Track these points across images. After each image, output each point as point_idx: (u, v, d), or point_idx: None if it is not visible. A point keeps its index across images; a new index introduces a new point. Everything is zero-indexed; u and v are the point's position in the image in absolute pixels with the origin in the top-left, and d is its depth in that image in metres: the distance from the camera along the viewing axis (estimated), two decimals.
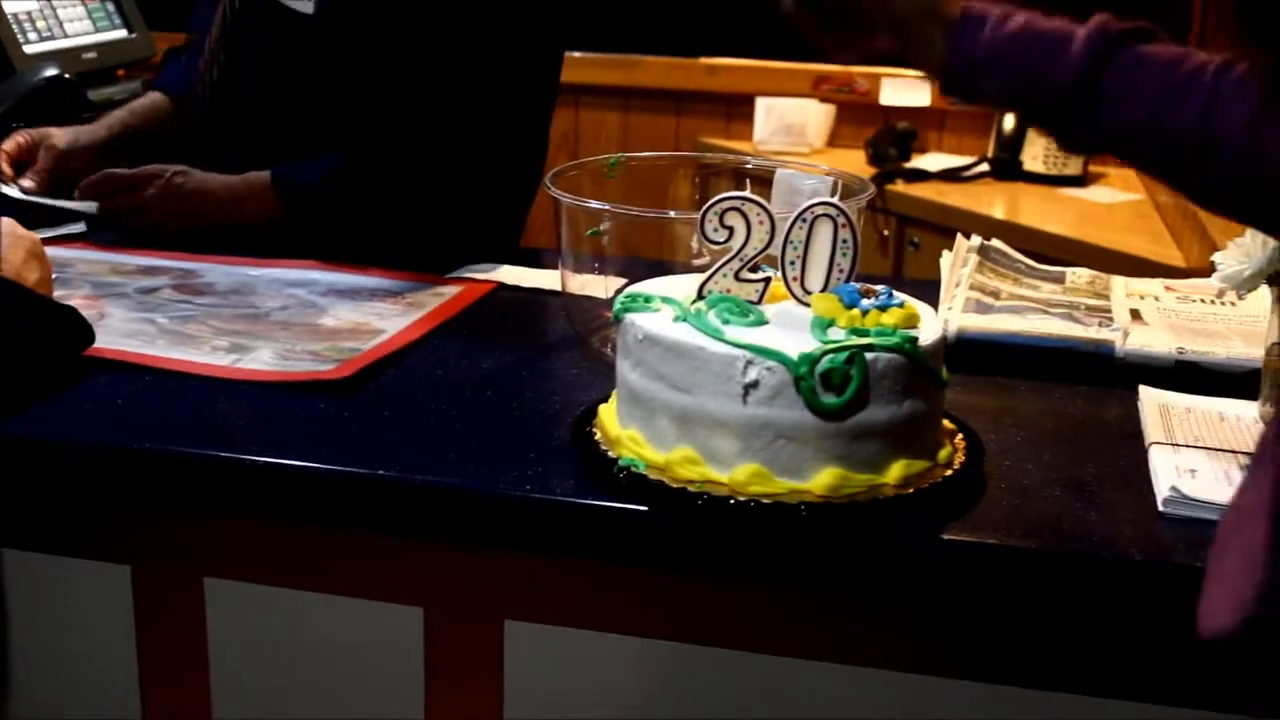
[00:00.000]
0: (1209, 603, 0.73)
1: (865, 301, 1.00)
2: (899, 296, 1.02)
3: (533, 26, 1.70)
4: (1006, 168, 3.08)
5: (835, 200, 1.04)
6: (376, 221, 1.65)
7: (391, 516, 1.08)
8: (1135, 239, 2.60)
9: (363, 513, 1.08)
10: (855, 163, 3.14)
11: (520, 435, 1.13)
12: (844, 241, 1.03)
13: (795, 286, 1.04)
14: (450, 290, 1.51)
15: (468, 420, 1.17)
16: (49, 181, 1.75)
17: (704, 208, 1.04)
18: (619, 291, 1.16)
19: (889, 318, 0.99)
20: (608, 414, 1.08)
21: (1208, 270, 1.51)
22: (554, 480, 1.04)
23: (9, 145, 1.75)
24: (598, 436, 1.07)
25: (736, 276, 1.04)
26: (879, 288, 1.03)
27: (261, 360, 1.28)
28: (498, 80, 1.66)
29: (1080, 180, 3.04)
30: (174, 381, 1.23)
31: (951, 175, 3.06)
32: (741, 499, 0.97)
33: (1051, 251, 2.50)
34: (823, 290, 1.04)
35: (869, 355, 0.96)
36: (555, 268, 1.46)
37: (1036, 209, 2.89)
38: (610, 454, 1.04)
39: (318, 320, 1.41)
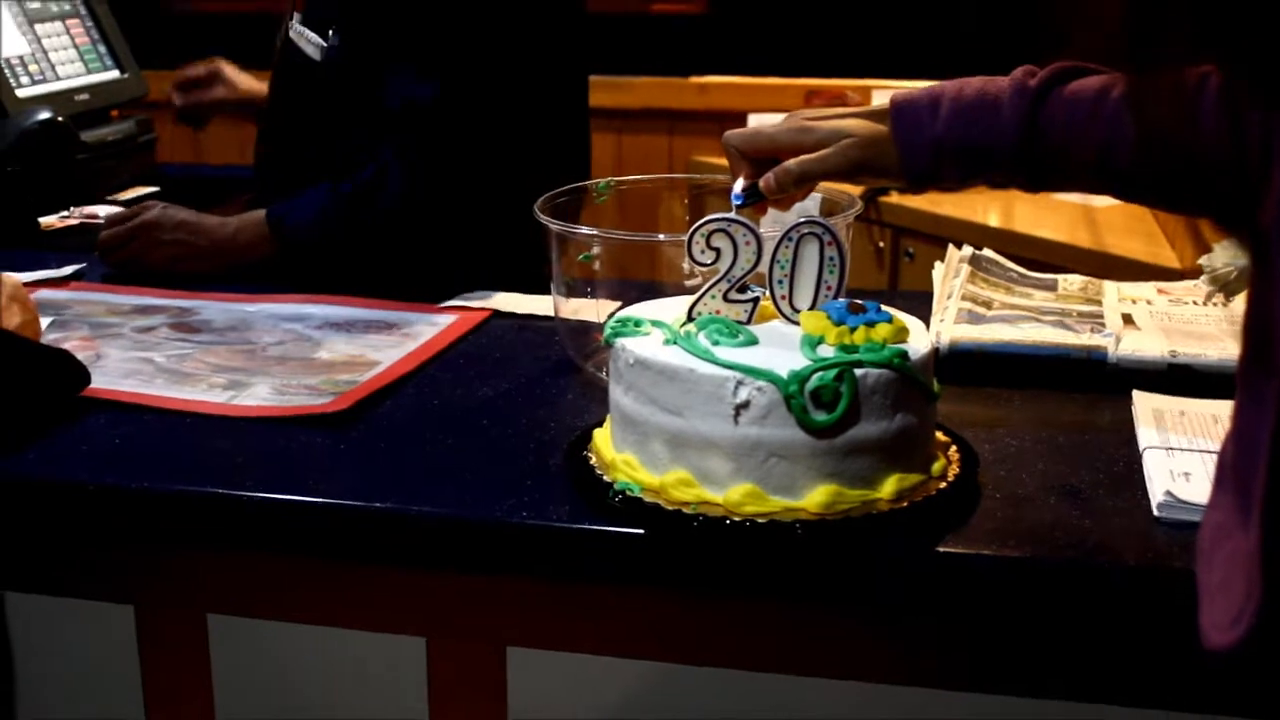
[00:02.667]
0: (1208, 616, 0.74)
1: (854, 317, 1.01)
2: (887, 311, 1.03)
3: (546, 59, 1.71)
4: None
5: (820, 218, 1.05)
6: (369, 258, 1.66)
7: (390, 547, 1.08)
8: (1130, 241, 2.61)
9: (362, 545, 1.09)
10: None
11: (517, 462, 1.14)
12: (831, 259, 1.04)
13: (784, 305, 1.05)
14: (444, 319, 1.52)
15: (464, 449, 1.17)
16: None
17: (690, 230, 1.04)
18: (611, 315, 1.16)
19: (878, 333, 1.00)
20: (602, 438, 1.09)
21: (1200, 272, 1.51)
22: (550, 506, 1.05)
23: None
24: (593, 461, 1.08)
25: (725, 297, 1.05)
26: (867, 303, 1.03)
27: (258, 396, 1.29)
28: (511, 115, 1.67)
29: None
30: (172, 420, 1.24)
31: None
32: (736, 519, 0.98)
33: (1047, 257, 2.51)
34: (811, 308, 1.04)
35: (858, 371, 0.96)
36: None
37: (1031, 215, 2.90)
38: (605, 478, 1.04)
39: (313, 354, 1.42)
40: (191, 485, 1.11)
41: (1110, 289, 1.51)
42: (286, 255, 1.66)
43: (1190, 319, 1.40)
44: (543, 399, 1.31)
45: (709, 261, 1.05)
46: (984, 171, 1.18)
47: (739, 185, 1.22)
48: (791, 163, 1.21)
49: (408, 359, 1.39)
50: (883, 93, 3.33)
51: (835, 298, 1.05)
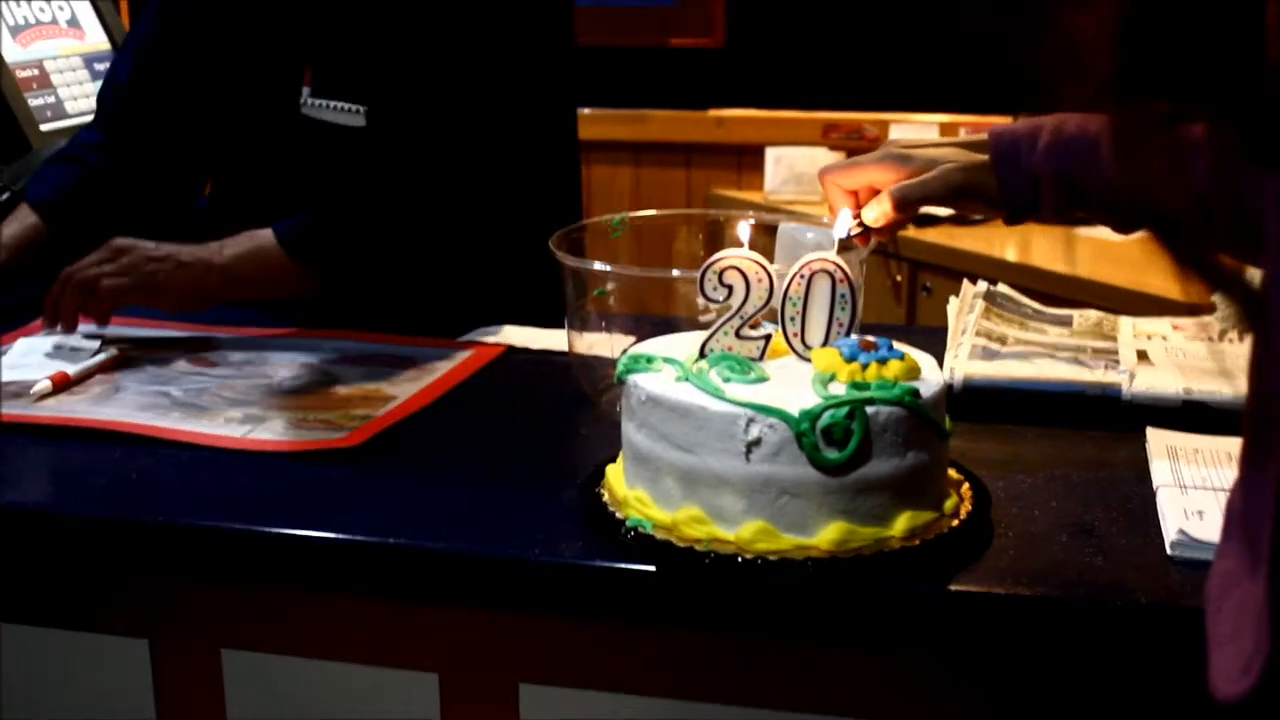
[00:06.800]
0: (1217, 667, 0.73)
1: (865, 355, 1.01)
2: (900, 348, 1.03)
3: (536, 83, 1.71)
4: None
5: (832, 255, 1.05)
6: (359, 274, 1.65)
7: (405, 583, 1.08)
8: (1147, 276, 2.60)
9: (377, 580, 1.09)
10: None
11: (531, 498, 1.14)
12: (842, 296, 1.04)
13: (796, 342, 1.05)
14: (460, 355, 1.52)
15: (479, 485, 1.18)
16: None
17: (703, 267, 1.05)
18: (625, 351, 1.16)
19: (889, 370, 1.00)
20: (615, 475, 1.09)
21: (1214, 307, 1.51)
22: (563, 543, 1.05)
23: None
24: (605, 498, 1.08)
25: (737, 334, 1.05)
26: (878, 340, 1.04)
27: (274, 430, 1.30)
28: (501, 143, 1.68)
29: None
30: (188, 454, 1.25)
31: (962, 219, 3.07)
32: (748, 556, 0.98)
33: (1064, 292, 2.51)
34: (823, 345, 1.05)
35: (870, 409, 0.96)
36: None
37: (1048, 249, 2.90)
38: (618, 515, 1.05)
39: (330, 388, 1.42)
40: (207, 520, 1.12)
41: (1125, 324, 1.51)
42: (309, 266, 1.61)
43: (1206, 355, 1.40)
44: (557, 435, 1.31)
45: (721, 298, 1.05)
46: (1080, 207, 1.18)
47: (845, 217, 1.22)
48: (893, 188, 1.21)
49: (423, 394, 1.39)
50: (900, 126, 3.35)
51: (847, 335, 1.05)
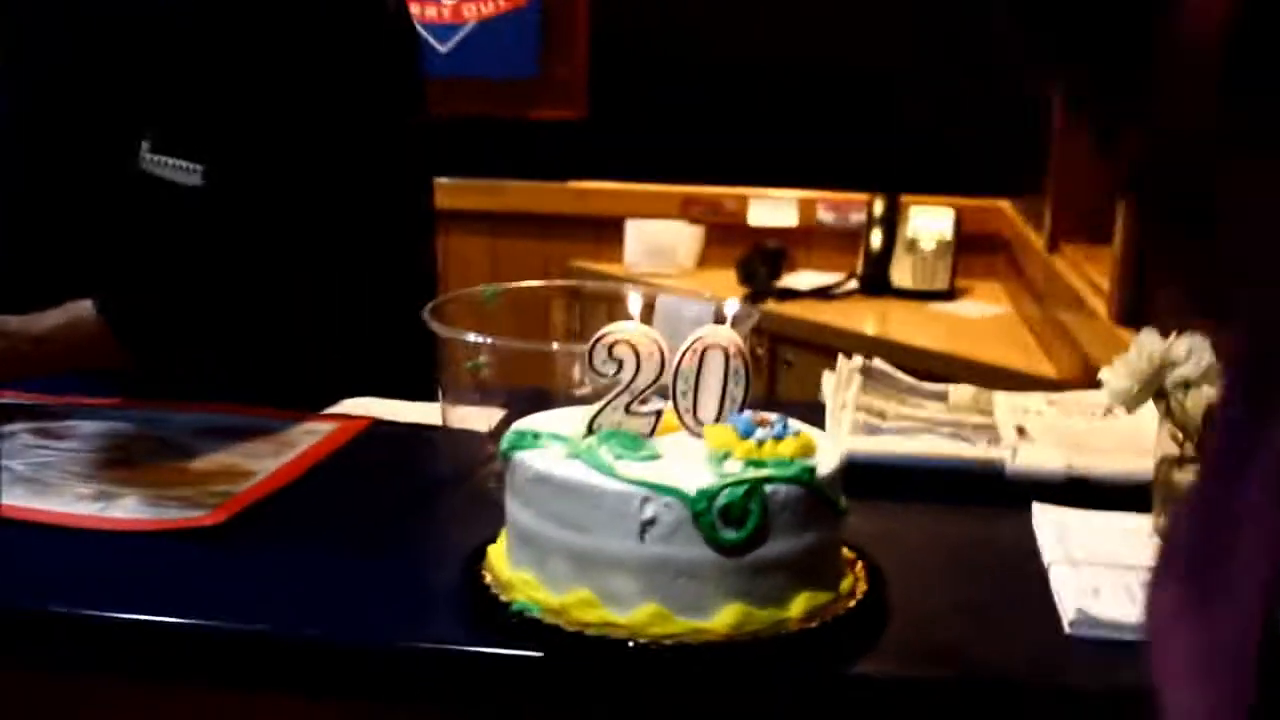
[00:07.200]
0: (1177, 708, 0.70)
1: (760, 431, 0.98)
2: (794, 425, 1.00)
3: (396, 156, 1.68)
4: (876, 283, 3.13)
5: (727, 330, 1.02)
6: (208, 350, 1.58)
7: (270, 673, 1.02)
8: (1007, 351, 2.65)
9: (239, 671, 1.03)
10: (726, 283, 3.15)
11: (407, 580, 1.09)
12: (736, 371, 1.01)
13: (688, 418, 1.02)
14: (324, 428, 1.46)
15: (350, 566, 1.12)
16: None
17: (592, 340, 1.01)
18: (499, 425, 1.12)
19: (785, 448, 0.97)
20: (497, 555, 1.04)
21: (1081, 381, 1.52)
22: (444, 628, 1.00)
23: None
24: (488, 580, 1.03)
25: (627, 410, 1.02)
26: (773, 416, 1.01)
27: (129, 508, 1.22)
28: (357, 212, 1.63)
29: (949, 294, 3.09)
30: (34, 534, 1.17)
31: (822, 293, 3.09)
32: (641, 641, 0.93)
33: (925, 366, 2.53)
34: (716, 421, 1.01)
35: (768, 487, 0.93)
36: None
37: (907, 324, 2.93)
38: (502, 598, 1.00)
39: (187, 463, 1.35)
40: (57, 605, 1.04)
41: (1001, 400, 1.51)
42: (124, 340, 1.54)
43: (1083, 431, 1.40)
44: (431, 513, 1.26)
45: (611, 373, 1.01)
46: None
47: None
48: None
49: (287, 469, 1.33)
50: (759, 201, 3.37)
51: (740, 411, 1.02)
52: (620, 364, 1.01)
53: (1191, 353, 1.12)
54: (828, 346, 2.65)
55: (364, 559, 1.13)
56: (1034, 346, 2.67)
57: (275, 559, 1.13)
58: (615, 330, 1.01)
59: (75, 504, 1.23)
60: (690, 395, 1.02)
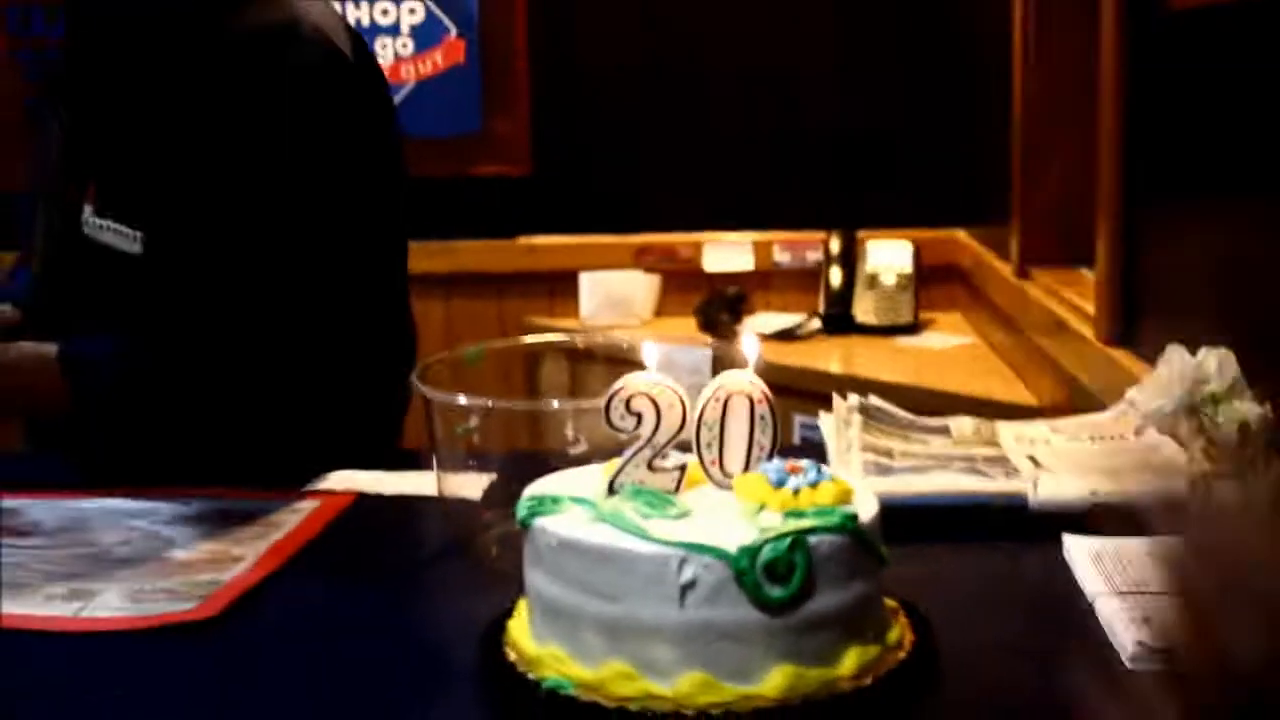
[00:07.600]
0: None
1: (794, 480, 0.92)
2: (827, 470, 0.95)
3: (378, 221, 1.63)
4: (839, 322, 3.09)
5: (750, 374, 0.97)
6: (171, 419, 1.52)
7: None
8: (981, 381, 2.61)
9: None
10: (687, 330, 3.11)
11: (419, 664, 1.01)
12: (762, 417, 0.96)
13: (714, 470, 0.96)
14: (306, 505, 1.39)
15: (357, 653, 1.04)
16: None
17: (609, 394, 0.95)
18: (492, 490, 1.06)
19: (823, 495, 0.91)
20: (519, 629, 0.97)
21: (1067, 405, 1.48)
22: (467, 714, 0.93)
23: None
24: (512, 657, 0.96)
25: (649, 466, 0.96)
26: (804, 463, 0.95)
27: (109, 605, 1.14)
28: (333, 280, 1.57)
29: (913, 328, 3.06)
30: (4, 640, 1.08)
31: (787, 335, 3.05)
32: (688, 713, 0.87)
33: (896, 401, 2.49)
34: (744, 471, 0.96)
35: (812, 539, 0.88)
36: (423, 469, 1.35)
37: (873, 359, 2.90)
38: (530, 677, 0.93)
39: (167, 553, 1.27)
40: None
41: (1005, 430, 1.46)
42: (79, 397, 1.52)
43: (1094, 455, 1.36)
44: (433, 589, 1.19)
45: (630, 428, 0.95)
46: None
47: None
48: None
49: (274, 552, 1.25)
50: (713, 246, 3.33)
51: (769, 458, 0.96)
52: (639, 418, 0.95)
53: (1221, 367, 1.08)
54: (796, 388, 2.61)
55: (370, 643, 1.06)
56: (1009, 374, 2.64)
57: (275, 651, 1.05)
58: (632, 383, 0.95)
59: (49, 605, 1.15)
60: (715, 446, 0.96)
